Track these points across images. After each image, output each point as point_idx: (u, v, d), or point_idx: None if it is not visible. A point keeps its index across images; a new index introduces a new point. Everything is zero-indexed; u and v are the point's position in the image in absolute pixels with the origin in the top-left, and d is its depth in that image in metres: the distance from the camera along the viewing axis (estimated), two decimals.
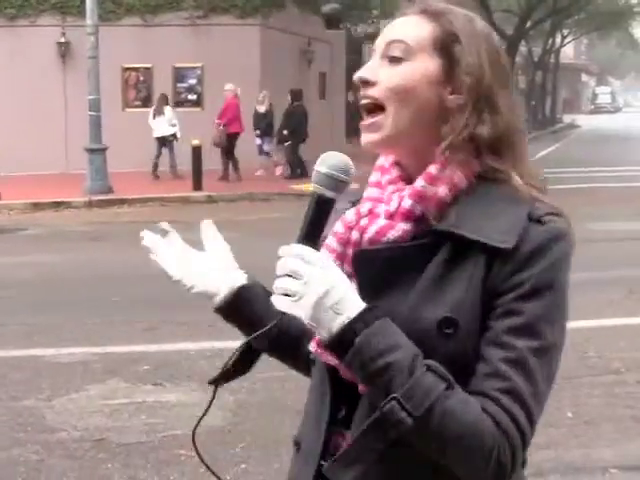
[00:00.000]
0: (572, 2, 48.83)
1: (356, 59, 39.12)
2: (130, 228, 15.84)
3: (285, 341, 1.99)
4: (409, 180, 1.74)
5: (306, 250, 1.59)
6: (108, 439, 6.04)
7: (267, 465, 5.58)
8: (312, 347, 1.73)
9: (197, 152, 20.63)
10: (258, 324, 1.83)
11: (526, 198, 1.66)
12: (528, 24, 47.79)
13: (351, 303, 1.57)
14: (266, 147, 23.47)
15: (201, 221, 2.02)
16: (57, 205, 18.96)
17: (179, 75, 25.72)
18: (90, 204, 19.19)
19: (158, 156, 22.72)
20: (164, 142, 22.54)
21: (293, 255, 1.59)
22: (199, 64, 25.46)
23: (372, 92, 1.71)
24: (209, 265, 2.00)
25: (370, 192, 1.80)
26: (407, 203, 1.67)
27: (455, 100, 1.69)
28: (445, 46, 1.70)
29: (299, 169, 22.74)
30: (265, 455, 5.73)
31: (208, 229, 2.03)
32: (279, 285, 1.59)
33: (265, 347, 2.02)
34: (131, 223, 16.57)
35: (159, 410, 6.57)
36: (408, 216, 1.67)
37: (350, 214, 1.75)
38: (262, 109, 23.19)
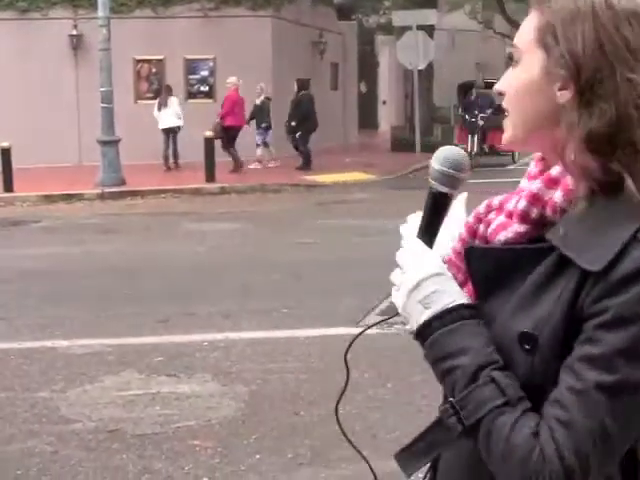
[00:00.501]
0: None
1: (368, 50, 39.18)
2: (143, 220, 15.92)
3: None
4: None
5: (412, 242, 1.63)
6: (122, 430, 6.05)
7: (281, 455, 5.58)
8: None
9: (209, 144, 20.64)
10: None
11: (638, 212, 1.47)
12: None
13: (443, 298, 1.56)
14: (258, 139, 23.45)
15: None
16: (70, 197, 19.00)
17: (191, 67, 25.72)
18: (103, 196, 19.22)
19: (167, 148, 22.80)
20: (170, 133, 22.61)
21: (405, 248, 1.63)
22: (211, 56, 25.45)
23: (503, 102, 1.66)
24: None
25: (522, 183, 1.69)
26: (522, 204, 1.59)
27: (564, 95, 1.53)
28: (543, 38, 1.56)
29: (305, 159, 22.83)
30: (279, 445, 5.73)
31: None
32: (391, 277, 1.63)
33: None
34: (144, 215, 16.64)
35: (173, 401, 6.58)
36: (523, 218, 1.59)
37: (483, 205, 1.71)
38: (258, 101, 23.18)
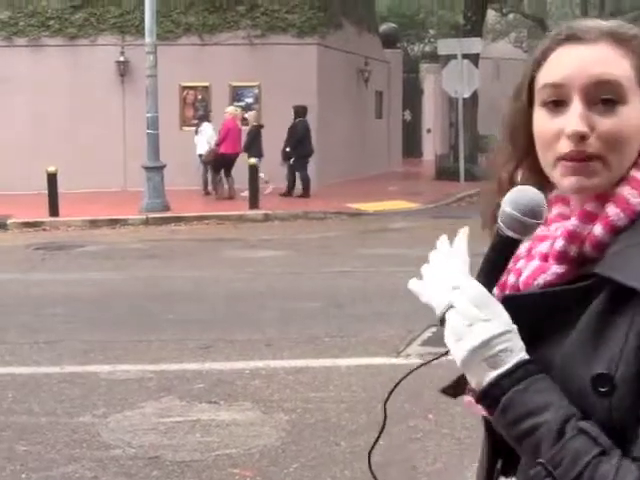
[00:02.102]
0: None
1: (413, 78, 39.19)
2: (186, 246, 15.99)
3: None
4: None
5: (479, 290, 1.49)
6: (162, 457, 6.05)
7: None
8: (466, 396, 1.61)
9: (254, 170, 20.71)
10: None
11: None
12: None
13: (511, 357, 1.46)
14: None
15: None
16: (114, 222, 19.13)
17: (236, 94, 25.84)
18: (147, 222, 19.33)
19: (205, 172, 22.95)
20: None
21: (463, 292, 1.49)
22: (256, 83, 25.57)
23: (588, 147, 1.52)
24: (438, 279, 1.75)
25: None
26: (559, 244, 1.53)
27: None
28: None
29: (303, 186, 22.51)
30: (318, 476, 5.69)
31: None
32: (448, 317, 1.49)
33: None
34: (187, 241, 16.71)
35: (213, 428, 6.57)
36: (561, 258, 1.53)
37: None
38: (246, 129, 22.95)
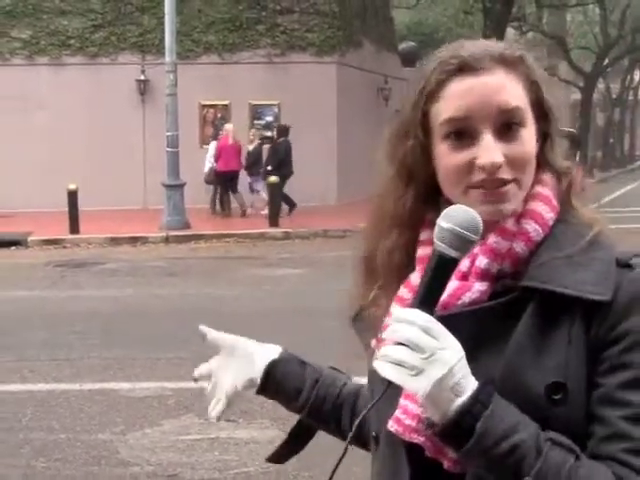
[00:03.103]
0: None
1: None
2: (206, 264, 16.02)
3: (321, 413, 2.01)
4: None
5: (428, 319, 1.43)
6: (181, 475, 6.05)
7: None
8: (391, 426, 1.57)
9: (274, 189, 20.75)
10: (295, 399, 1.93)
11: (604, 239, 1.55)
12: (606, 61, 47.47)
13: (469, 382, 1.43)
14: (255, 185, 23.16)
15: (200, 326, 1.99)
16: (135, 240, 19.19)
17: (256, 112, 25.93)
18: (167, 239, 19.38)
19: (214, 192, 23.13)
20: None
21: (411, 323, 1.42)
22: (276, 101, 25.64)
23: (503, 174, 1.52)
24: (238, 358, 1.98)
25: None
26: (483, 262, 1.53)
27: (537, 146, 1.59)
28: (534, 96, 1.58)
29: (281, 206, 22.03)
30: None
31: (210, 330, 2.01)
32: (392, 354, 1.42)
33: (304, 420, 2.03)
34: (207, 259, 16.74)
35: (232, 446, 6.56)
36: (484, 275, 1.53)
37: (415, 276, 1.60)
38: (250, 147, 23.03)
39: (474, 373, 1.46)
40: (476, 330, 1.51)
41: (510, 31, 38.23)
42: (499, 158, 1.51)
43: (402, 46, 34.57)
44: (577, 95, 49.54)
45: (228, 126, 23.05)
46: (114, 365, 8.80)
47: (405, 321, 1.42)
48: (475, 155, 1.51)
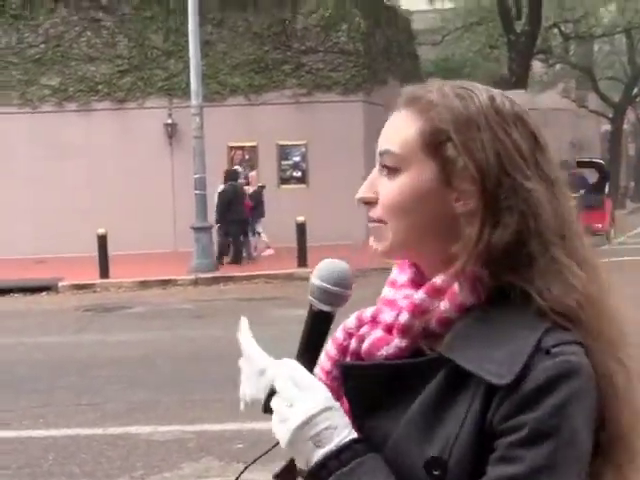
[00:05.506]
0: None
1: None
2: (233, 305, 16.05)
3: None
4: (423, 283, 1.51)
5: (297, 371, 1.46)
6: None
7: None
8: None
9: (301, 229, 20.81)
10: None
11: (539, 323, 1.38)
12: (635, 90, 47.34)
13: (335, 435, 1.41)
14: (257, 227, 22.92)
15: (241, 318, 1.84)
16: (164, 283, 19.30)
17: (283, 152, 26.05)
18: (196, 282, 19.47)
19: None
20: None
21: (285, 374, 1.46)
22: (303, 141, 25.77)
23: (373, 213, 1.51)
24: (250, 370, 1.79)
25: (385, 292, 1.61)
26: (404, 317, 1.47)
27: (462, 207, 1.43)
28: (435, 147, 1.45)
29: (234, 252, 21.72)
30: None
31: (245, 327, 1.82)
32: (273, 402, 1.47)
33: None
34: (235, 300, 16.78)
35: None
36: (405, 331, 1.47)
37: (352, 319, 1.59)
38: (250, 190, 22.76)
39: (376, 428, 1.45)
40: (387, 385, 1.48)
41: (537, 64, 38.30)
42: (362, 194, 1.52)
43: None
44: (607, 126, 49.45)
45: (253, 173, 23.10)
46: (138, 409, 8.85)
47: (281, 371, 1.47)
48: None
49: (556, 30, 37.70)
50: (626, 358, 1.46)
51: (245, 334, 1.76)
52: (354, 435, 1.43)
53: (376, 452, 1.43)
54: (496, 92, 1.51)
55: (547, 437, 1.32)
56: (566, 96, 43.43)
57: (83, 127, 25.09)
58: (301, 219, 20.91)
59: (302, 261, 20.50)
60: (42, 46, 25.59)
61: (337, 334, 1.59)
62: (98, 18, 25.71)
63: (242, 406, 1.73)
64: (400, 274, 1.60)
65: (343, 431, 1.42)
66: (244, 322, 1.77)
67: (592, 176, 26.98)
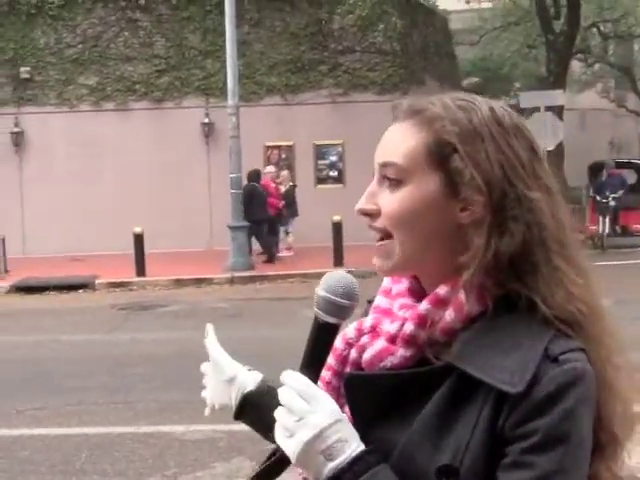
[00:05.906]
0: None
1: None
2: (267, 305, 16.08)
3: None
4: (421, 293, 1.55)
5: (304, 383, 1.45)
6: None
7: None
8: None
9: (338, 228, 20.79)
10: (270, 430, 1.70)
11: (545, 330, 1.41)
12: None
13: (346, 447, 1.41)
14: (288, 227, 22.99)
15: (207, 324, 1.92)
16: (200, 282, 19.35)
17: (320, 152, 26.04)
18: (232, 281, 19.50)
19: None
20: None
21: (290, 386, 1.45)
22: (339, 141, 25.74)
23: (376, 224, 1.54)
24: (217, 377, 1.92)
25: (379, 301, 1.62)
26: (409, 328, 1.49)
27: (469, 217, 1.46)
28: (440, 158, 1.48)
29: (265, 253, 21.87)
30: None
31: (211, 334, 1.94)
32: (276, 416, 1.45)
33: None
34: (270, 300, 16.80)
35: None
36: (410, 342, 1.48)
37: (351, 329, 1.59)
38: (282, 189, 22.86)
39: (381, 438, 1.45)
40: (392, 395, 1.49)
41: (576, 64, 38.03)
42: (360, 205, 1.54)
43: (465, 82, 34.56)
44: None
45: (269, 168, 23.19)
46: (171, 407, 8.87)
47: (285, 384, 1.45)
48: None
49: (595, 30, 37.35)
50: (622, 363, 1.50)
51: (212, 340, 1.81)
52: (363, 446, 1.43)
53: (385, 462, 1.43)
54: (495, 103, 1.54)
55: (559, 442, 1.36)
56: (605, 96, 43.05)
57: (120, 126, 25.20)
58: (337, 218, 20.89)
59: (338, 260, 20.49)
60: (80, 46, 25.70)
61: (337, 344, 1.58)
62: (135, 18, 25.80)
63: (207, 411, 1.77)
64: (394, 284, 1.61)
65: (353, 443, 1.42)
66: (210, 328, 1.85)
67: (631, 177, 26.74)
